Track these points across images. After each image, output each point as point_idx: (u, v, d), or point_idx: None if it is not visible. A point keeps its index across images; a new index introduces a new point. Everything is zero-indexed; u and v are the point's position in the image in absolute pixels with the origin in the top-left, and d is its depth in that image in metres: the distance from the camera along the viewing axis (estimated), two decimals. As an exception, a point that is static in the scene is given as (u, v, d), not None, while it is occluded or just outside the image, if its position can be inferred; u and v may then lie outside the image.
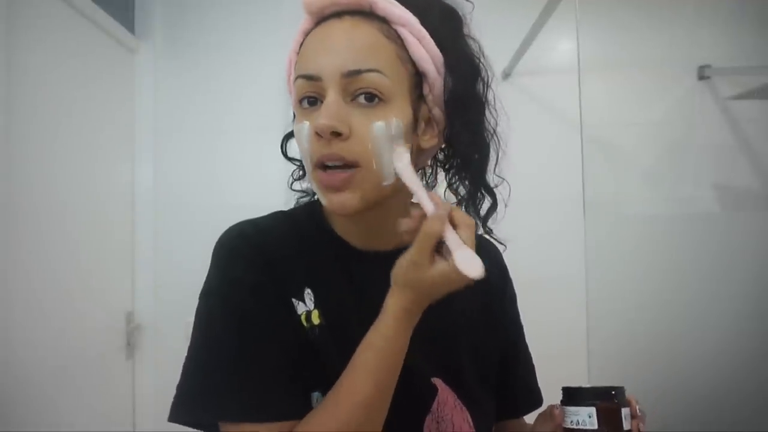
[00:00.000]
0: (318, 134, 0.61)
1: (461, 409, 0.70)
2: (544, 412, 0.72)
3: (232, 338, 0.62)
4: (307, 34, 0.67)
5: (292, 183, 0.80)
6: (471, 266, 0.55)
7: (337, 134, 0.60)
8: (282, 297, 0.66)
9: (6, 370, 1.34)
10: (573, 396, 0.66)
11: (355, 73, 0.61)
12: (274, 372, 0.61)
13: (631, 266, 1.95)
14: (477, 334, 0.76)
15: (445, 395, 0.70)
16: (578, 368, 1.79)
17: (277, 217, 0.74)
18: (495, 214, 0.74)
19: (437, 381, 0.70)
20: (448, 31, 0.69)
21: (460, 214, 0.58)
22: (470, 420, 0.71)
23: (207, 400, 0.61)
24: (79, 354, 1.67)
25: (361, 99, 0.61)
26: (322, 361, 0.64)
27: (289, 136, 0.77)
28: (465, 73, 0.69)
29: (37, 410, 1.46)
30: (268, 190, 2.09)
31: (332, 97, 0.61)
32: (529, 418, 0.81)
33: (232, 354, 0.61)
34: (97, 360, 1.78)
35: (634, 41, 2.05)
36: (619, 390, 0.66)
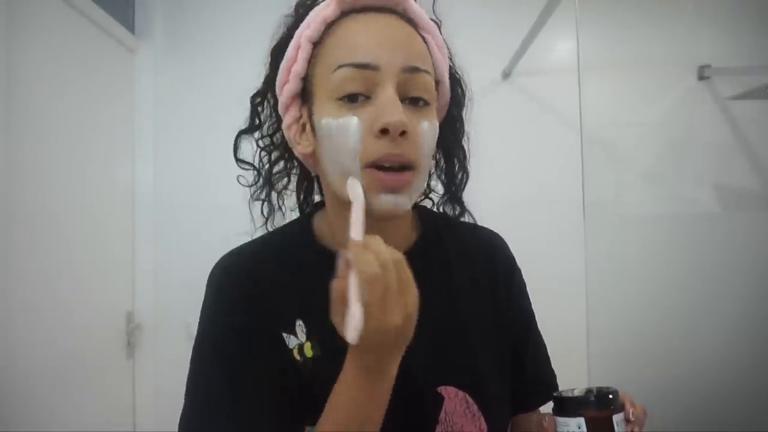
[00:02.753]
0: (382, 132, 0.57)
1: (473, 416, 0.68)
2: (539, 418, 0.69)
3: (220, 380, 0.63)
4: (328, 23, 0.63)
5: (254, 193, 0.77)
6: (348, 327, 0.49)
7: (402, 133, 0.58)
8: (271, 334, 0.65)
9: (6, 370, 1.34)
10: (562, 405, 0.62)
11: (413, 70, 0.60)
12: (262, 411, 0.62)
13: (631, 266, 1.95)
14: (488, 329, 0.73)
15: (453, 404, 0.67)
16: (578, 369, 1.79)
17: (266, 242, 0.73)
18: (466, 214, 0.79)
19: (445, 389, 0.68)
20: (448, 48, 0.71)
21: (364, 264, 0.49)
22: (484, 427, 0.68)
23: None
24: (80, 354, 1.67)
25: (407, 101, 0.60)
26: (315, 394, 0.61)
27: (244, 133, 0.75)
28: (461, 88, 0.73)
29: (37, 410, 1.46)
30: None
31: (391, 92, 0.58)
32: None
33: (220, 394, 0.62)
34: (97, 360, 1.78)
35: (634, 41, 2.05)
36: (612, 395, 0.61)
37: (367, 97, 0.59)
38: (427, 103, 0.62)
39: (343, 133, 0.59)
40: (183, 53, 2.11)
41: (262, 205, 0.76)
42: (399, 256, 0.51)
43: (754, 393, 1.77)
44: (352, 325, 0.48)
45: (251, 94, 0.75)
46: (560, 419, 0.62)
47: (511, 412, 0.76)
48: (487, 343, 0.72)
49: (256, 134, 0.76)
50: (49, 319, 1.53)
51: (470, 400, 0.68)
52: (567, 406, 0.62)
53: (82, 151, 1.74)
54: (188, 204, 2.05)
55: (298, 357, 0.64)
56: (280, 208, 0.78)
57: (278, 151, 0.76)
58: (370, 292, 0.49)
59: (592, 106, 1.86)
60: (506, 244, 0.82)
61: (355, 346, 0.52)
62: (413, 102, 0.61)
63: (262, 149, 0.76)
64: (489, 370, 0.71)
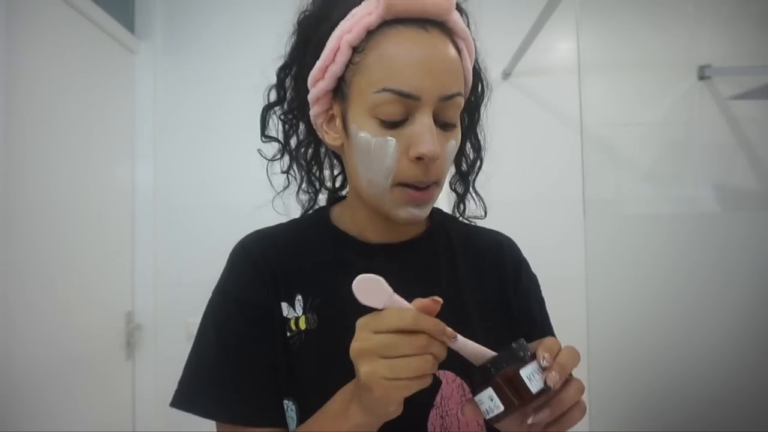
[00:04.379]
0: (418, 158, 0.62)
1: None
2: None
3: (214, 346, 0.68)
4: (370, 30, 0.63)
5: (286, 167, 0.81)
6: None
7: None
8: (268, 308, 0.69)
9: (6, 370, 1.34)
10: (472, 383, 0.55)
11: (450, 98, 0.63)
12: (246, 380, 0.66)
13: (631, 266, 1.95)
14: (493, 323, 0.74)
15: (450, 389, 0.68)
16: (578, 368, 1.79)
17: (286, 224, 0.78)
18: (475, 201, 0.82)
19: (443, 373, 0.68)
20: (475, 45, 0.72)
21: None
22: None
23: (186, 396, 0.68)
24: (79, 354, 1.67)
25: (439, 125, 0.64)
26: (299, 367, 0.67)
27: (272, 107, 0.78)
28: (483, 80, 0.75)
29: (36, 410, 1.46)
30: (269, 189, 2.09)
31: (429, 120, 0.62)
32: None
33: (210, 360, 0.68)
34: (96, 360, 1.78)
35: (634, 41, 2.05)
36: (510, 350, 0.53)
37: (405, 119, 0.62)
38: (455, 125, 0.66)
39: (380, 152, 0.63)
40: (183, 54, 2.11)
41: (288, 175, 0.81)
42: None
43: (754, 392, 1.77)
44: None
45: (278, 67, 0.77)
46: (477, 398, 0.54)
47: None
48: (490, 333, 0.72)
49: (277, 109, 0.79)
50: (48, 320, 1.53)
51: (466, 388, 0.69)
52: (475, 382, 0.55)
53: (83, 152, 1.74)
54: (188, 204, 2.05)
55: (293, 327, 0.68)
56: (312, 183, 0.82)
57: (303, 126, 0.79)
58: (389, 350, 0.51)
59: (592, 105, 1.87)
60: (516, 245, 0.83)
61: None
62: (444, 126, 0.64)
63: (284, 122, 0.79)
64: None
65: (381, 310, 0.52)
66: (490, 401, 0.52)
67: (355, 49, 0.64)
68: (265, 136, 0.78)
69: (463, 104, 0.66)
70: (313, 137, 0.80)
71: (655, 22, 2.05)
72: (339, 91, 0.67)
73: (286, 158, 0.80)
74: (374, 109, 0.62)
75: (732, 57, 2.02)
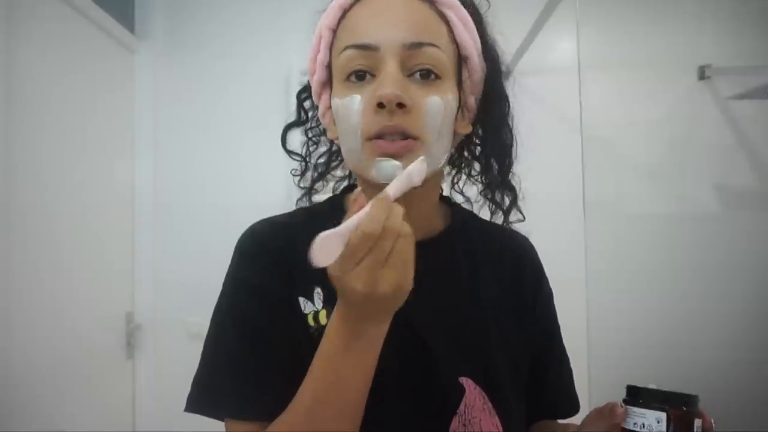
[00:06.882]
0: (379, 105, 0.58)
1: (490, 413, 0.67)
2: (596, 410, 0.65)
3: (232, 339, 0.63)
4: (345, 9, 0.65)
5: (299, 181, 0.80)
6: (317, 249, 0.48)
7: (400, 105, 0.58)
8: (287, 298, 0.65)
9: (6, 369, 1.34)
10: (641, 396, 0.60)
11: (416, 46, 0.60)
12: (270, 373, 0.62)
13: (631, 266, 1.94)
14: (508, 331, 0.72)
15: (474, 397, 0.66)
16: (578, 368, 1.78)
17: (298, 213, 0.75)
18: (516, 208, 0.76)
19: (465, 380, 0.66)
20: (480, 22, 0.69)
21: (371, 217, 0.49)
22: (500, 426, 0.66)
23: (206, 396, 0.63)
24: (79, 354, 1.67)
25: (417, 75, 0.61)
26: None
27: (290, 127, 0.77)
28: (498, 64, 0.71)
29: (37, 410, 1.46)
30: (269, 189, 2.09)
31: (392, 67, 0.59)
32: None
33: (231, 355, 0.63)
34: (97, 360, 1.78)
35: (635, 40, 2.05)
36: (693, 398, 0.60)
37: (373, 76, 0.61)
38: (438, 77, 0.61)
39: (347, 111, 0.61)
40: (183, 53, 2.11)
41: (309, 193, 0.79)
42: (408, 232, 0.50)
43: (754, 393, 1.77)
44: (320, 247, 0.48)
45: (297, 91, 0.78)
46: (636, 410, 0.59)
47: (524, 424, 0.74)
48: (506, 341, 0.71)
49: (306, 126, 0.79)
50: (48, 320, 1.53)
51: (485, 397, 0.67)
52: (648, 397, 0.59)
53: (82, 152, 1.74)
54: (188, 204, 2.05)
55: (312, 323, 0.65)
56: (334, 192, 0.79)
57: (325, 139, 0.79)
58: (354, 245, 0.48)
59: (592, 105, 1.86)
60: (535, 250, 0.81)
61: (340, 306, 0.53)
62: (424, 76, 0.61)
63: (309, 139, 0.78)
64: (505, 368, 0.70)
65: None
66: (656, 422, 0.57)
67: (334, 32, 0.66)
68: (288, 153, 0.78)
69: (444, 59, 0.62)
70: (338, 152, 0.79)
71: (655, 22, 2.05)
72: (330, 81, 0.67)
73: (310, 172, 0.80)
74: (342, 72, 0.62)
75: (732, 57, 2.02)
